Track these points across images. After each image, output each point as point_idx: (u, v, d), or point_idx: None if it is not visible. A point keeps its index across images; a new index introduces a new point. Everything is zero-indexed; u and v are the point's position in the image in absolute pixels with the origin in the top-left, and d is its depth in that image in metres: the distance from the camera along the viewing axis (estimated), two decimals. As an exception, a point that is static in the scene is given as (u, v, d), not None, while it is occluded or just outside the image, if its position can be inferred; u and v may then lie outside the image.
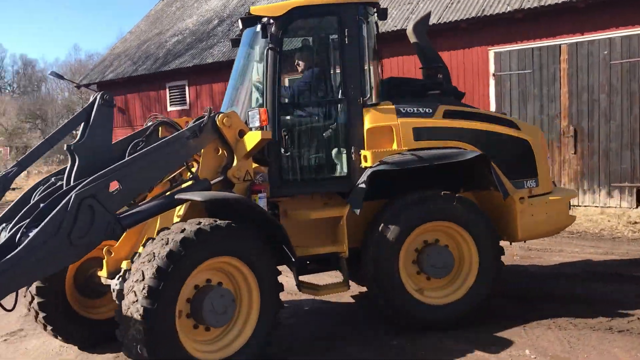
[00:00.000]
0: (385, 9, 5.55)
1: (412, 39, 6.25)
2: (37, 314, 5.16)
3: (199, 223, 4.28)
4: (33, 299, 5.11)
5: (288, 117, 5.40)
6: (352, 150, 5.34)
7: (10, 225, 4.21)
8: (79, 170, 4.47)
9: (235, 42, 6.10)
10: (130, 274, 4.19)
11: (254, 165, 5.09)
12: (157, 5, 23.05)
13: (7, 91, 55.70)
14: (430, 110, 5.59)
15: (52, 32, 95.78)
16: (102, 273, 4.80)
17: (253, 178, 4.97)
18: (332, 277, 6.32)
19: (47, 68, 55.44)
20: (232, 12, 18.16)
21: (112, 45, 22.35)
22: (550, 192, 6.00)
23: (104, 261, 4.76)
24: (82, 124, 4.75)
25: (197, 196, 4.49)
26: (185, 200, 4.65)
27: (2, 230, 4.34)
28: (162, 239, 4.18)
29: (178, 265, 4.06)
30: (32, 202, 4.50)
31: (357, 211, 5.09)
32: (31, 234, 3.86)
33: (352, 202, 5.15)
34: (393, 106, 5.50)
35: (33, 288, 5.04)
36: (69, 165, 4.55)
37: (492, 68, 11.87)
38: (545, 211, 5.82)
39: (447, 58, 11.88)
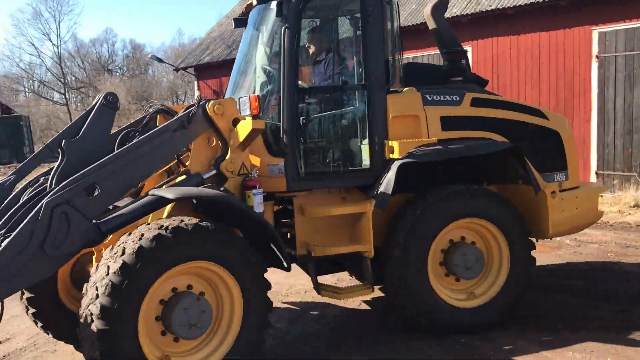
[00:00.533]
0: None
1: (430, 22, 5.77)
2: (27, 309, 4.95)
3: (178, 223, 3.88)
4: (23, 293, 4.87)
5: (306, 104, 4.97)
6: (376, 141, 4.92)
7: None
8: (63, 171, 4.18)
9: (239, 22, 5.63)
10: (97, 269, 3.84)
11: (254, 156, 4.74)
12: (253, -12, 23.21)
13: (117, 74, 59.31)
14: (458, 98, 5.20)
15: (159, 17, 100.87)
16: (92, 268, 4.28)
17: (249, 172, 4.55)
18: (334, 278, 6.27)
19: (153, 52, 59.04)
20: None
21: (210, 29, 22.95)
22: (579, 187, 5.68)
23: (94, 256, 4.55)
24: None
25: (167, 193, 4.07)
26: (170, 199, 4.15)
27: None
28: (134, 238, 3.81)
29: (142, 268, 3.68)
30: (19, 204, 4.18)
31: (384, 207, 4.69)
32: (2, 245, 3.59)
33: (378, 197, 4.72)
34: (419, 93, 5.09)
35: (25, 299, 4.86)
36: (56, 164, 4.27)
37: (595, 49, 11.00)
38: (576, 206, 5.52)
39: (545, 39, 11.29)
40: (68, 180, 3.88)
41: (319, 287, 4.82)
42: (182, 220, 3.91)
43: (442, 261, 4.99)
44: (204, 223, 3.94)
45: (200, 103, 4.48)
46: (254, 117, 4.43)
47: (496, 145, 5.06)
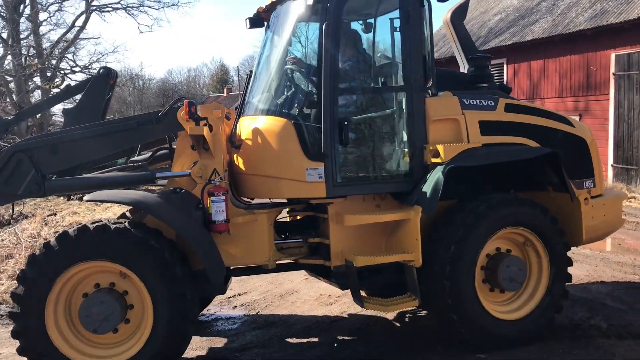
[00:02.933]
0: None
1: (450, 28, 5.69)
2: None
3: (91, 223, 4.25)
4: None
5: (345, 106, 4.84)
6: (416, 145, 4.80)
7: None
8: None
9: (256, 22, 5.49)
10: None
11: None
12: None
13: None
14: (492, 103, 5.13)
15: None
16: None
17: (214, 179, 4.53)
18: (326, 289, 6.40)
19: None
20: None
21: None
22: (602, 194, 5.66)
23: None
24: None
25: (87, 196, 4.42)
26: (125, 185, 4.69)
27: None
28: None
29: (51, 260, 4.11)
30: None
31: (431, 212, 4.53)
32: None
33: (426, 202, 4.52)
34: (456, 97, 5.00)
35: None
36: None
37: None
38: (604, 213, 5.49)
39: None
40: (39, 135, 4.29)
41: (361, 300, 4.68)
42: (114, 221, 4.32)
43: (485, 272, 4.88)
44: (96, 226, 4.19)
45: (174, 106, 4.59)
46: (195, 122, 4.41)
47: (539, 150, 4.98)
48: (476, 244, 4.70)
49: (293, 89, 4.99)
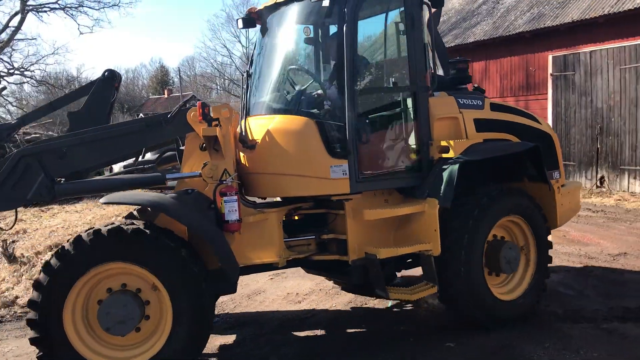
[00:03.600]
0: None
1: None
2: None
3: (103, 227, 4.21)
4: None
5: (364, 106, 5.00)
6: (424, 142, 5.09)
7: None
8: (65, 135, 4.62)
9: (248, 23, 5.50)
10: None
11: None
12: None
13: None
14: (480, 103, 5.55)
15: None
16: None
17: (226, 179, 4.59)
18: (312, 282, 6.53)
19: None
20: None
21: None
22: (565, 184, 6.23)
23: None
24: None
25: (103, 199, 4.43)
26: (135, 187, 4.72)
27: None
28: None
29: (66, 266, 4.09)
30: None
31: (449, 204, 4.84)
32: None
33: (442, 195, 4.81)
34: (452, 97, 5.36)
35: None
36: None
37: None
38: (569, 200, 6.10)
39: None
40: (46, 139, 4.32)
41: (386, 291, 4.88)
42: (127, 223, 4.28)
43: (485, 257, 5.22)
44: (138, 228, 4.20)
45: (182, 108, 4.61)
46: (208, 123, 4.47)
47: (527, 144, 5.42)
48: (485, 232, 5.10)
49: (310, 89, 5.08)
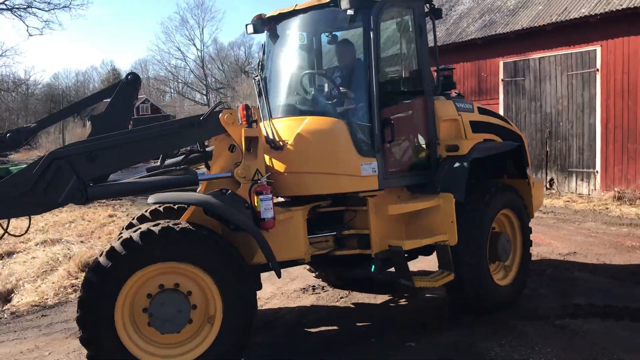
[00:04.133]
0: (440, 9, 5.71)
1: None
2: None
3: (152, 227, 4.19)
4: None
5: (386, 107, 5.22)
6: (433, 141, 5.50)
7: None
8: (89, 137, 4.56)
9: (257, 29, 5.68)
10: (88, 267, 4.28)
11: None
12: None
13: (253, 75, 61.30)
14: (470, 107, 6.05)
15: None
16: None
17: (260, 178, 4.72)
18: (273, 284, 6.64)
19: None
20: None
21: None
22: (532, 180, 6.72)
23: None
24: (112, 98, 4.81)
25: (151, 198, 4.49)
26: (169, 188, 4.73)
27: None
28: (119, 236, 4.26)
29: (116, 264, 4.06)
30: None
31: (463, 198, 5.27)
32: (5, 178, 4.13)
33: (456, 190, 5.25)
34: (450, 100, 5.81)
35: None
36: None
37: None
38: (538, 194, 6.72)
39: None
40: (76, 142, 4.28)
41: (412, 280, 5.13)
42: (173, 223, 4.25)
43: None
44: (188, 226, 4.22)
45: (216, 109, 4.69)
46: (248, 125, 4.65)
47: (514, 144, 6.06)
48: (489, 225, 5.57)
49: (337, 91, 5.33)
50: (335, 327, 5.73)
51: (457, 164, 5.38)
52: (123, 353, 4.11)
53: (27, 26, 57.08)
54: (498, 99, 15.21)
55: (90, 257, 9.34)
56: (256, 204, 4.57)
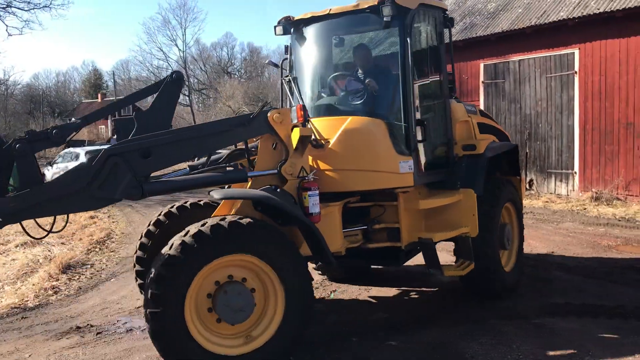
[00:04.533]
0: (452, 18, 6.06)
1: None
2: (141, 291, 5.64)
3: (218, 221, 4.29)
4: (136, 279, 5.69)
5: (417, 109, 5.48)
6: (451, 141, 5.88)
7: None
8: (134, 135, 4.57)
9: (286, 30, 5.92)
10: (154, 261, 4.31)
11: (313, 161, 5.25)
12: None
13: (236, 76, 59.47)
14: (474, 109, 6.49)
15: (275, 21, 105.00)
16: None
17: (306, 175, 4.93)
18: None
19: (269, 55, 62.35)
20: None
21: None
22: None
23: None
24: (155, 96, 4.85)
25: (216, 193, 4.59)
26: (219, 184, 4.92)
27: None
28: (185, 231, 4.30)
29: (188, 258, 4.13)
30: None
31: (481, 192, 5.69)
32: (60, 175, 4.19)
33: (476, 186, 5.68)
34: (461, 103, 6.21)
35: (135, 271, 5.65)
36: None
37: None
38: (522, 190, 7.18)
39: None
40: (130, 139, 4.35)
41: (441, 269, 5.48)
42: (238, 217, 4.39)
43: None
44: (254, 221, 4.38)
45: (263, 109, 4.84)
46: (303, 124, 4.85)
47: (513, 144, 6.69)
48: (499, 217, 6.08)
49: (375, 93, 5.58)
50: (314, 326, 5.74)
51: (475, 162, 5.81)
52: (193, 345, 4.21)
53: (7, 26, 56.37)
54: (479, 100, 15.38)
55: (71, 258, 9.33)
56: (305, 199, 4.80)
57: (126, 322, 6.24)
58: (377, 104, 5.53)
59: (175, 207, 5.75)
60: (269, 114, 4.78)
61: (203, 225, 4.26)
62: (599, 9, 12.42)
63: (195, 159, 5.39)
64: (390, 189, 5.36)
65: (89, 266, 9.26)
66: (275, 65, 26.48)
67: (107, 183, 4.19)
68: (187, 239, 4.16)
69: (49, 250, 10.18)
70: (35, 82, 72.35)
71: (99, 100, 63.10)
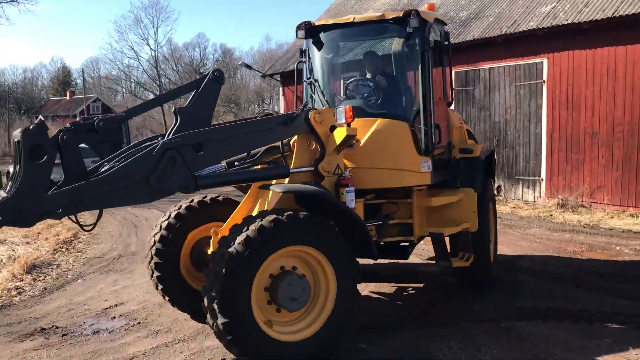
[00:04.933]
0: (448, 32, 6.53)
1: None
2: (156, 285, 5.73)
3: (277, 214, 4.44)
4: (153, 272, 5.66)
5: (434, 114, 5.93)
6: (451, 145, 6.40)
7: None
8: (177, 130, 4.62)
9: (309, 34, 6.22)
10: (214, 256, 4.42)
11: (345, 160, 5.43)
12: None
13: None
14: (461, 117, 7.30)
15: (248, 22, 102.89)
16: (209, 251, 5.27)
17: (343, 172, 5.18)
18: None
19: (242, 56, 62.32)
20: (406, 5, 18.01)
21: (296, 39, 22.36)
22: None
23: (211, 240, 5.22)
24: (194, 92, 4.88)
25: (277, 187, 4.79)
26: (263, 180, 5.09)
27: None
28: (244, 226, 4.39)
29: (253, 251, 4.25)
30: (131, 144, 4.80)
31: (480, 192, 6.26)
32: (116, 167, 4.24)
33: (476, 186, 6.23)
34: (454, 111, 6.72)
35: (152, 263, 5.62)
36: (172, 124, 4.74)
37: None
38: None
39: (622, 54, 12.13)
40: (184, 133, 4.48)
41: (450, 260, 5.89)
42: (293, 210, 4.55)
43: None
44: (307, 214, 4.56)
45: (305, 109, 5.11)
46: (347, 124, 5.07)
47: (490, 149, 7.08)
48: (488, 213, 6.73)
49: (399, 97, 6.12)
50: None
51: (472, 164, 6.36)
52: (261, 334, 4.35)
53: (-27, 20, 54.77)
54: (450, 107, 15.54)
55: (36, 258, 9.13)
56: (342, 195, 5.06)
57: (93, 324, 6.15)
58: (402, 108, 6.01)
59: (195, 201, 5.85)
60: (310, 114, 5.05)
61: (262, 219, 4.38)
62: (567, 20, 12.71)
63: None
64: (412, 186, 5.78)
65: (55, 266, 9.07)
66: (249, 67, 26.90)
67: (163, 176, 4.31)
68: (251, 233, 4.29)
69: (13, 250, 9.95)
70: (1, 78, 70.75)
71: (68, 97, 61.91)
